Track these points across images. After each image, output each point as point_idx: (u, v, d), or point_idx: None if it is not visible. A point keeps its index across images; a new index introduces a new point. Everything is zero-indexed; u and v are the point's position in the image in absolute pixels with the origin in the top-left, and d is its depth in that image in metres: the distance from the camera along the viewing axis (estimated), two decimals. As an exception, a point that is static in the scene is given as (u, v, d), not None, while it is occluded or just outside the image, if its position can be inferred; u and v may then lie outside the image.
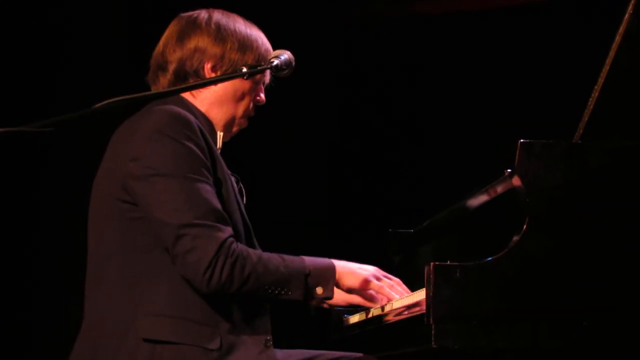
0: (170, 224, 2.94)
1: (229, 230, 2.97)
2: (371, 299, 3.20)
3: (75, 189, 5.12)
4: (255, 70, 3.08)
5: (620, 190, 2.85)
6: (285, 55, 3.12)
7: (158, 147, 2.98)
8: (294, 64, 3.13)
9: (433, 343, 2.72)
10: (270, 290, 2.99)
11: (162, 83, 3.24)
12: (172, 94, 3.15)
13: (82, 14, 5.22)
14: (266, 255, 3.03)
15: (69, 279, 4.96)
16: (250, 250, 3.00)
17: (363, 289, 3.17)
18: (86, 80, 5.14)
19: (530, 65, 5.24)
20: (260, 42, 3.26)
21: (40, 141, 4.85)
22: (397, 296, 3.15)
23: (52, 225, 5.17)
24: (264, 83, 3.32)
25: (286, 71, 3.13)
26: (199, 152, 3.01)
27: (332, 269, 3.10)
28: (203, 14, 3.27)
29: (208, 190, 2.98)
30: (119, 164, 3.03)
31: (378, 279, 3.19)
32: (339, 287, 3.13)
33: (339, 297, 3.17)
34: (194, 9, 3.29)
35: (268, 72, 3.26)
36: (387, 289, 3.17)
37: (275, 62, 3.09)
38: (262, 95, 3.30)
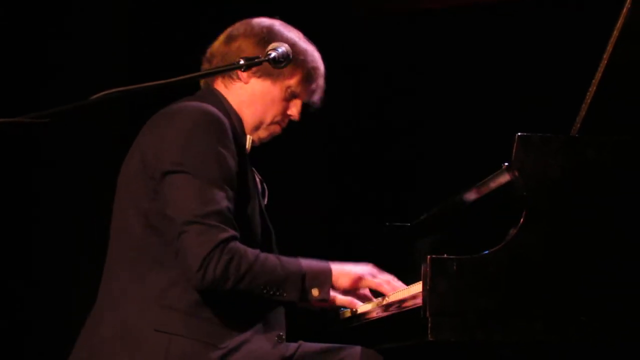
0: (175, 220, 2.96)
1: (231, 232, 2.96)
2: (364, 299, 3.23)
3: (71, 182, 5.14)
4: (252, 63, 3.03)
5: (618, 184, 2.84)
6: (283, 47, 3.07)
7: (189, 145, 3.01)
8: (291, 57, 3.10)
9: (430, 336, 2.72)
10: (265, 290, 3.00)
11: None
12: (172, 86, 3.13)
13: (82, 13, 5.21)
14: (263, 255, 3.03)
15: (68, 275, 4.97)
16: (249, 250, 2.99)
17: (358, 288, 3.18)
18: (86, 80, 5.12)
19: (529, 59, 5.23)
20: (307, 55, 3.25)
21: (35, 133, 4.84)
22: (398, 286, 3.16)
23: (49, 219, 5.17)
24: (310, 102, 3.30)
25: (283, 64, 3.09)
26: (228, 158, 3.02)
27: (329, 271, 3.11)
28: (262, 19, 3.29)
29: (224, 196, 2.98)
30: (149, 154, 3.05)
31: (374, 276, 3.19)
32: (334, 288, 3.14)
33: (335, 299, 3.16)
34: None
35: (316, 92, 3.27)
36: (386, 285, 3.17)
37: (273, 54, 3.05)
38: (295, 111, 3.28)
